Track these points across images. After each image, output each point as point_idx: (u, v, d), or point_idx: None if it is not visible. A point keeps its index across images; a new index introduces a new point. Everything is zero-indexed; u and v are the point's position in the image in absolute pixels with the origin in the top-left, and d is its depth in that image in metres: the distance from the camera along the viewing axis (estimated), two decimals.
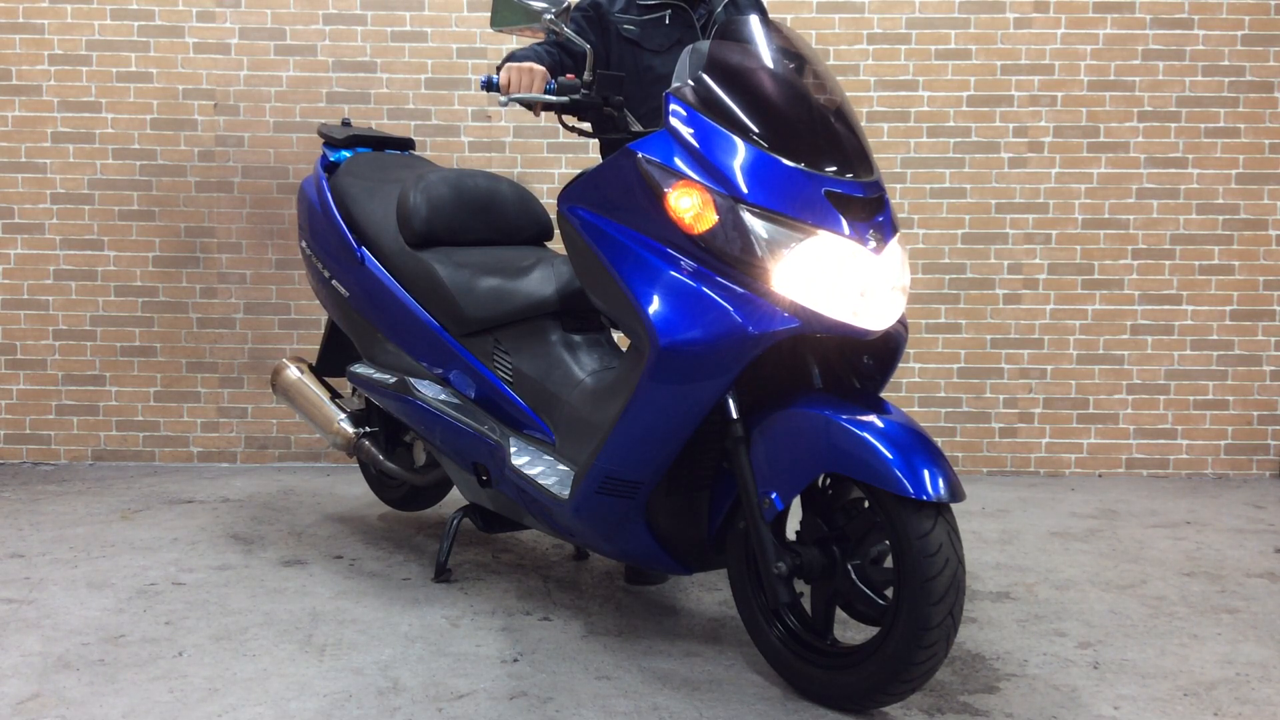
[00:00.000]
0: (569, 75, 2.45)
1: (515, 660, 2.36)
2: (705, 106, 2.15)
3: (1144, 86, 4.15)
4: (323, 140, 3.28)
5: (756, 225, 2.05)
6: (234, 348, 4.21)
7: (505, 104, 2.41)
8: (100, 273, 4.18)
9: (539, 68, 2.44)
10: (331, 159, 3.21)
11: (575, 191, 2.35)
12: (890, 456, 1.96)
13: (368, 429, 3.12)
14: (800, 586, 2.26)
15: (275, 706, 2.12)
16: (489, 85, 2.47)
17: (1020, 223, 4.19)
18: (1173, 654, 2.45)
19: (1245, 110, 4.15)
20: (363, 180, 3.08)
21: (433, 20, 4.14)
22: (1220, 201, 4.18)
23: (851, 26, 4.16)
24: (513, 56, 2.66)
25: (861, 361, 2.29)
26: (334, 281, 3.06)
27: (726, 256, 2.07)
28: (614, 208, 2.25)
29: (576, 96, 2.39)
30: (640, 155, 2.18)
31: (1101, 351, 4.22)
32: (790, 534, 2.31)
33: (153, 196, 4.16)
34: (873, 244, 2.09)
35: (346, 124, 3.35)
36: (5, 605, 2.66)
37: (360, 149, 3.26)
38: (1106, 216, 4.18)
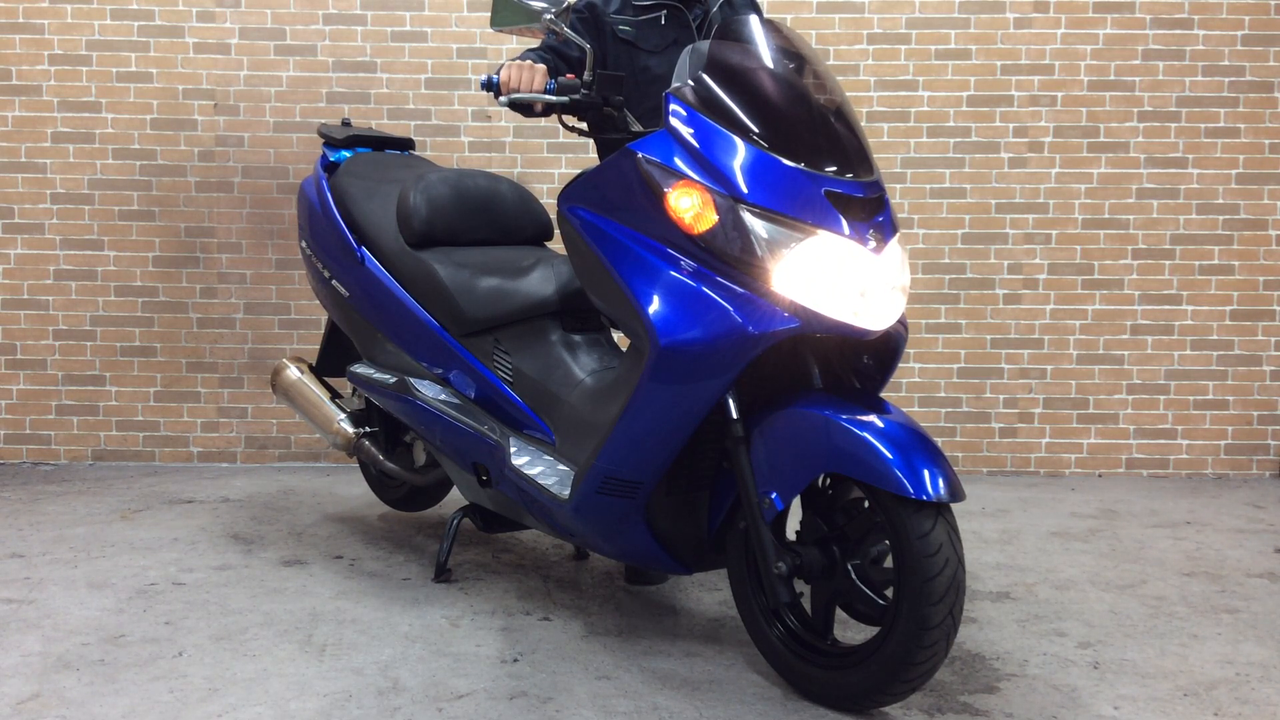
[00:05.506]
0: (569, 75, 2.45)
1: (515, 660, 2.36)
2: (705, 106, 2.15)
3: (1144, 86, 4.15)
4: (323, 140, 3.28)
5: (756, 225, 2.05)
6: (234, 348, 4.21)
7: (505, 103, 2.41)
8: (100, 273, 4.18)
9: (539, 65, 2.44)
10: (331, 159, 3.21)
11: (575, 191, 2.34)
12: (890, 456, 1.96)
13: (368, 429, 3.12)
14: (800, 586, 2.26)
15: (275, 706, 2.12)
16: (489, 85, 2.46)
17: (1020, 223, 4.19)
18: (1173, 654, 2.45)
19: (1245, 110, 4.15)
20: (363, 180, 3.08)
21: (433, 20, 4.15)
22: (1220, 201, 4.17)
23: (851, 26, 4.16)
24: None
25: (861, 361, 2.29)
26: (334, 281, 3.06)
27: (726, 256, 2.07)
28: (614, 208, 2.24)
29: (576, 96, 2.39)
30: (640, 155, 2.18)
31: (1101, 351, 4.22)
32: (790, 534, 2.31)
33: (153, 196, 4.16)
34: (873, 244, 2.09)
35: (346, 124, 3.35)
36: (5, 605, 2.66)
37: (360, 149, 3.26)
38: (1106, 216, 4.18)
